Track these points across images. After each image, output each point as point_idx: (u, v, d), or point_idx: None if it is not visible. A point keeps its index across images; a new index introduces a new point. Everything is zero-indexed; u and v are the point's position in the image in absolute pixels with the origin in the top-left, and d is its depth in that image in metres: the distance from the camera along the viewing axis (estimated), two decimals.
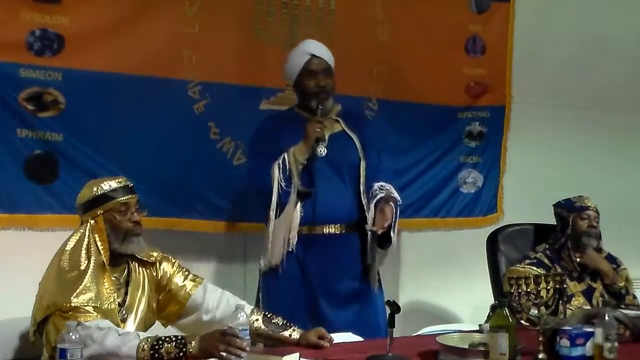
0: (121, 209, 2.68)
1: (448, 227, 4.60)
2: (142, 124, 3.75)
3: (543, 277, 2.87)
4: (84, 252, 2.61)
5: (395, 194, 3.40)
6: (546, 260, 3.64)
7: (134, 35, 3.70)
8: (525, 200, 4.55)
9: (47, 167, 3.57)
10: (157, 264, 2.84)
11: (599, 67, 4.87)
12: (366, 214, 3.37)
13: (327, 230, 3.41)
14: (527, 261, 3.65)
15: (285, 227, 3.36)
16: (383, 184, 3.44)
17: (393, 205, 3.34)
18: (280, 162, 3.35)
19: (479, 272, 3.95)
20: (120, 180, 2.73)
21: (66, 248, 2.63)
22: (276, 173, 3.35)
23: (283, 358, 2.46)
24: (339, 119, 3.52)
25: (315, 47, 3.49)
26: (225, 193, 3.96)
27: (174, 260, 2.90)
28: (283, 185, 3.34)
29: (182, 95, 3.84)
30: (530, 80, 4.70)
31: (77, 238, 2.65)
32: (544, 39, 4.75)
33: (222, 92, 3.92)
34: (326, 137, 3.43)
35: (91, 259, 2.60)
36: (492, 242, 3.90)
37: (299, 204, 3.36)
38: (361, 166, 3.46)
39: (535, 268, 3.56)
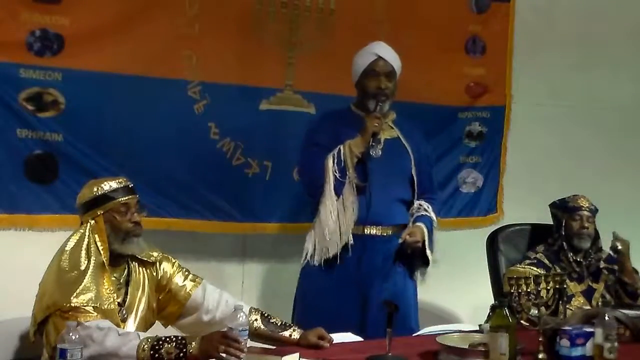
0: (121, 210, 2.68)
1: (448, 227, 4.58)
2: (142, 124, 3.74)
3: (543, 277, 2.88)
4: (84, 252, 2.61)
5: (432, 214, 3.48)
6: (546, 261, 3.64)
7: (134, 35, 3.70)
8: (525, 200, 4.55)
9: (47, 167, 3.57)
10: (157, 264, 2.84)
11: (598, 67, 4.86)
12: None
13: (369, 231, 3.39)
14: (527, 261, 3.66)
15: (342, 219, 3.34)
16: (422, 203, 3.50)
17: (424, 225, 3.41)
18: (336, 154, 3.35)
19: (479, 272, 3.95)
20: (120, 180, 2.73)
21: (66, 248, 2.63)
22: (330, 164, 3.34)
23: (283, 358, 2.47)
24: (394, 126, 3.52)
25: (381, 49, 3.49)
26: (225, 193, 3.95)
27: (174, 260, 2.90)
28: (337, 176, 3.33)
29: (182, 95, 3.84)
30: (530, 80, 4.70)
31: (77, 238, 2.65)
32: (544, 39, 4.75)
33: (222, 92, 3.91)
34: (382, 141, 3.43)
35: (91, 259, 2.60)
36: (492, 242, 3.90)
37: (352, 199, 3.34)
38: (414, 177, 3.49)
39: (535, 268, 3.56)
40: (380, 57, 3.46)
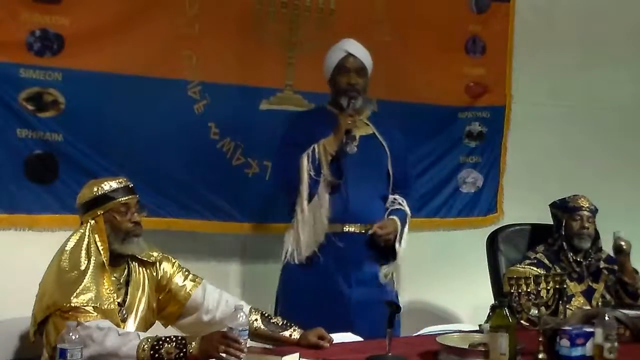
0: (121, 210, 2.68)
1: (448, 227, 4.60)
2: (142, 124, 3.74)
3: (543, 277, 2.88)
4: (84, 252, 2.61)
5: (406, 208, 3.51)
6: (546, 261, 3.64)
7: (133, 35, 3.70)
8: (525, 200, 4.55)
9: (47, 167, 3.57)
10: (157, 264, 2.84)
11: (598, 67, 4.87)
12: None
13: (348, 229, 3.43)
14: (527, 261, 3.66)
15: (317, 217, 3.38)
16: (397, 197, 3.54)
17: (397, 219, 3.44)
18: (310, 153, 3.38)
19: (479, 272, 3.95)
20: (120, 180, 2.73)
21: (66, 248, 2.63)
22: (305, 163, 3.38)
23: (283, 358, 2.47)
24: (369, 123, 3.55)
25: (351, 46, 3.52)
26: (225, 193, 3.96)
27: (174, 260, 2.90)
28: (312, 175, 3.37)
29: (182, 95, 3.84)
30: (530, 80, 4.70)
31: (77, 238, 2.65)
32: (544, 39, 4.75)
33: (222, 92, 3.91)
34: (357, 137, 3.46)
35: (91, 259, 2.60)
36: (492, 242, 3.90)
37: (328, 197, 3.38)
38: (390, 173, 3.52)
39: (535, 268, 3.56)
40: (350, 54, 3.48)
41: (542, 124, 4.78)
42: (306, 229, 3.39)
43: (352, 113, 3.41)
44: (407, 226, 3.51)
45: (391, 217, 3.48)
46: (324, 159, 3.37)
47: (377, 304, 3.42)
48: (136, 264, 2.79)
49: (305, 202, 3.38)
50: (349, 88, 3.45)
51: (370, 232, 3.41)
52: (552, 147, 4.81)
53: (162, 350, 2.43)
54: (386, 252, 3.49)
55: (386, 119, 3.69)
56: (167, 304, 2.85)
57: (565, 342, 2.65)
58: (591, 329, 2.66)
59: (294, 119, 3.65)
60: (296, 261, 3.43)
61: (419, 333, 3.20)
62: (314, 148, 3.38)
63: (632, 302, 3.59)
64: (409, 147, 3.76)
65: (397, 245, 3.46)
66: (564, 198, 3.74)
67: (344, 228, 3.42)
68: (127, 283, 2.75)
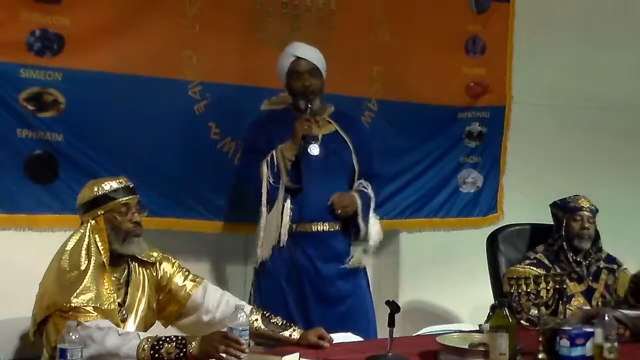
0: (122, 210, 2.68)
1: (448, 227, 4.60)
2: (142, 124, 3.74)
3: (543, 278, 2.88)
4: (84, 252, 2.61)
5: (370, 192, 3.55)
6: (546, 261, 3.64)
7: (134, 35, 3.70)
8: (525, 200, 4.55)
9: (47, 167, 3.57)
10: (157, 264, 2.84)
11: (598, 66, 4.87)
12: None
13: (316, 228, 3.47)
14: (527, 261, 3.66)
15: (274, 223, 3.44)
16: (361, 181, 3.59)
17: (357, 196, 3.50)
18: (269, 159, 3.44)
19: (479, 272, 3.95)
20: (121, 180, 2.73)
21: (66, 248, 2.63)
22: (264, 170, 3.44)
23: (283, 358, 2.47)
24: (331, 120, 3.59)
25: (299, 49, 3.56)
26: (226, 193, 3.95)
27: (174, 261, 2.90)
28: (271, 182, 3.42)
29: (182, 95, 3.84)
30: (530, 80, 4.70)
31: (77, 238, 2.65)
32: (544, 39, 4.75)
33: (222, 92, 3.91)
34: (319, 137, 3.51)
35: (91, 259, 2.60)
36: (492, 242, 3.90)
37: (288, 201, 3.43)
38: (355, 168, 3.56)
39: (535, 268, 3.56)
40: (299, 57, 3.53)
41: (542, 124, 4.78)
42: (266, 234, 3.45)
43: (308, 117, 3.45)
44: (371, 209, 3.55)
45: (351, 192, 3.52)
46: (283, 165, 3.43)
47: (347, 297, 3.51)
48: (136, 264, 2.80)
49: (264, 209, 3.45)
50: (305, 90, 3.50)
51: (328, 202, 3.45)
52: (552, 147, 4.82)
53: (162, 350, 2.43)
54: (350, 223, 3.51)
55: (347, 113, 3.74)
56: (167, 304, 2.85)
57: (565, 342, 2.65)
58: (591, 329, 2.66)
59: (253, 123, 3.67)
60: (257, 264, 3.51)
61: (419, 333, 3.20)
62: (272, 155, 3.43)
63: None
64: (381, 140, 3.84)
65: (360, 222, 3.49)
66: (565, 198, 3.74)
67: (313, 227, 3.47)
68: (127, 283, 2.75)
